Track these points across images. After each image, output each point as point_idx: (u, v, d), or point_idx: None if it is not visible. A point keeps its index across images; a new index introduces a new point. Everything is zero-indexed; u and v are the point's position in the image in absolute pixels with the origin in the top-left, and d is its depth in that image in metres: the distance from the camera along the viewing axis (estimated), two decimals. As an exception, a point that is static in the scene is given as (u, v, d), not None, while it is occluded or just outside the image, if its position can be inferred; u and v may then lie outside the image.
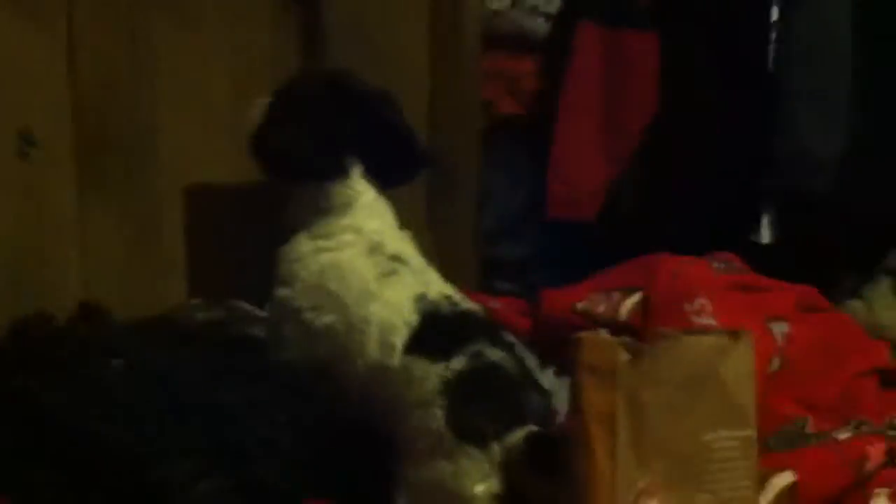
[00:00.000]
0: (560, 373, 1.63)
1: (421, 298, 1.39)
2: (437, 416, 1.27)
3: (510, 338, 1.42)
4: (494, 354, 1.32)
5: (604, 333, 1.25)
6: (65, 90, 1.69)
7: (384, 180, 1.51)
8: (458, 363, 1.30)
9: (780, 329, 1.64)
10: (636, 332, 1.60)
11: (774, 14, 2.03)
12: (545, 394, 1.34)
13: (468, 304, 1.43)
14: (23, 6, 1.63)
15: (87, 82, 1.71)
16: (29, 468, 1.33)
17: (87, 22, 1.70)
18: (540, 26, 2.18)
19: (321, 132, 1.47)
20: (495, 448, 1.25)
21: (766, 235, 2.06)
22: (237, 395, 1.39)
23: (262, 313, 1.72)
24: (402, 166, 1.55)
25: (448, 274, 1.50)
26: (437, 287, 1.42)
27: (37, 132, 1.65)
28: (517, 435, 1.25)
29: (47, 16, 1.66)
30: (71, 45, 1.68)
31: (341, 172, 1.47)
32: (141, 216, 1.81)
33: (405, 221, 1.55)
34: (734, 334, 1.20)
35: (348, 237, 1.45)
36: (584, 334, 1.22)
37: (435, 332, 1.35)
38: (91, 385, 1.37)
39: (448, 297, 1.41)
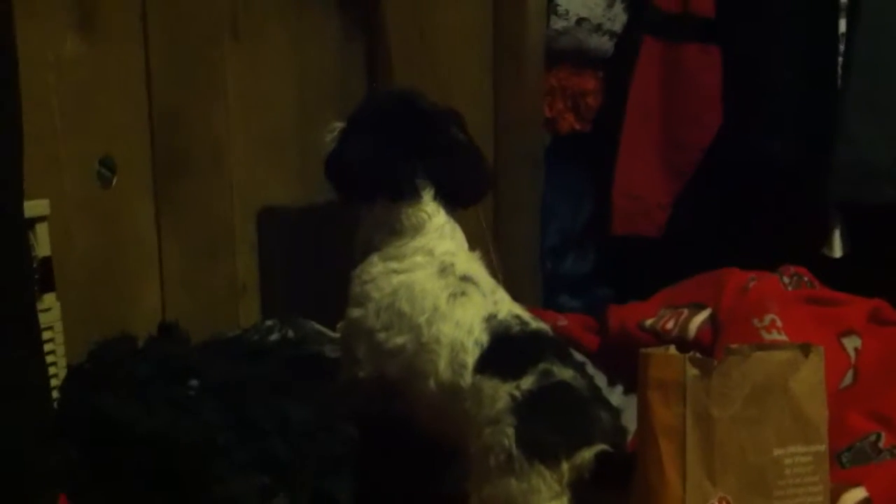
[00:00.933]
0: (629, 390, 1.64)
1: (491, 318, 1.40)
2: (508, 435, 1.28)
3: (579, 357, 1.41)
4: (564, 373, 1.32)
5: (672, 349, 1.25)
6: (142, 118, 1.74)
7: (452, 200, 1.52)
8: (528, 382, 1.31)
9: (851, 343, 1.63)
10: (705, 349, 1.60)
11: (842, 26, 2.01)
12: (614, 412, 1.34)
13: (537, 324, 1.43)
14: (101, 37, 1.68)
15: (163, 110, 1.77)
16: (107, 485, 1.37)
17: (162, 51, 1.75)
18: (603, 43, 2.19)
19: (394, 154, 1.48)
20: (566, 466, 1.25)
21: (836, 248, 2.03)
22: (308, 413, 1.41)
23: (334, 333, 1.76)
24: (470, 186, 1.56)
25: (512, 290, 1.51)
26: (507, 307, 1.43)
27: (116, 159, 1.70)
28: (587, 453, 1.25)
29: (125, 46, 1.72)
30: (148, 74, 1.74)
31: (414, 194, 1.48)
32: (215, 238, 1.86)
33: (471, 240, 1.56)
34: (804, 349, 1.20)
35: (420, 259, 1.47)
36: (651, 350, 1.23)
37: (505, 351, 1.36)
38: (169, 403, 1.40)
39: (518, 317, 1.42)
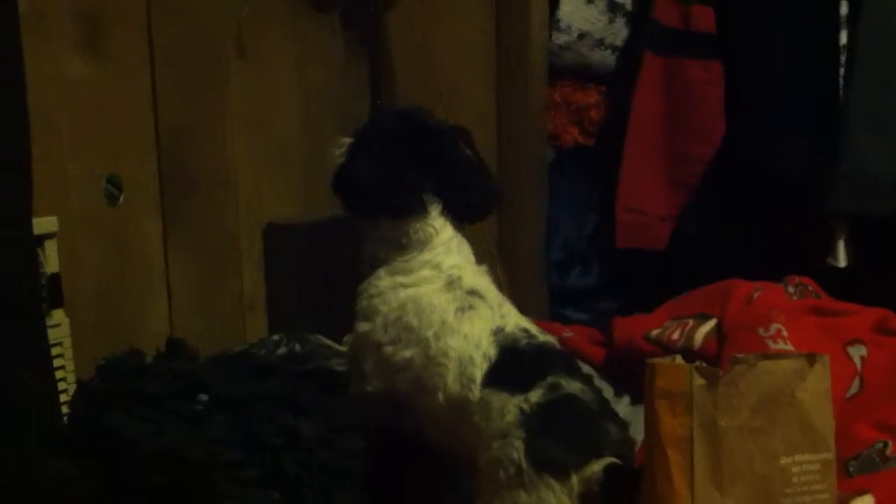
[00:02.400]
0: (635, 401, 1.64)
1: (498, 332, 1.40)
2: (517, 448, 1.28)
3: (587, 369, 1.41)
4: (572, 386, 1.33)
5: (678, 359, 1.25)
6: (149, 136, 1.76)
7: (460, 215, 1.53)
8: (536, 395, 1.31)
9: (857, 352, 1.63)
10: (711, 359, 1.60)
11: (843, 38, 2.02)
12: (622, 424, 1.34)
13: (545, 337, 1.44)
14: (107, 56, 1.69)
15: (169, 128, 1.78)
16: (116, 501, 1.37)
17: (167, 70, 1.77)
18: (605, 58, 2.20)
19: (402, 170, 1.49)
20: (575, 479, 1.26)
21: (841, 258, 2.04)
22: (317, 428, 1.41)
23: (340, 347, 1.76)
24: (478, 201, 1.56)
25: (518, 304, 1.51)
26: (514, 320, 1.44)
27: (123, 177, 1.72)
28: (596, 466, 1.26)
29: (131, 65, 1.73)
30: (154, 93, 1.75)
31: (421, 209, 1.49)
32: (222, 254, 1.87)
33: (477, 254, 1.57)
34: (810, 358, 1.20)
35: (427, 273, 1.47)
36: (658, 360, 1.23)
37: (513, 365, 1.37)
38: (178, 419, 1.40)
39: (525, 330, 1.42)
